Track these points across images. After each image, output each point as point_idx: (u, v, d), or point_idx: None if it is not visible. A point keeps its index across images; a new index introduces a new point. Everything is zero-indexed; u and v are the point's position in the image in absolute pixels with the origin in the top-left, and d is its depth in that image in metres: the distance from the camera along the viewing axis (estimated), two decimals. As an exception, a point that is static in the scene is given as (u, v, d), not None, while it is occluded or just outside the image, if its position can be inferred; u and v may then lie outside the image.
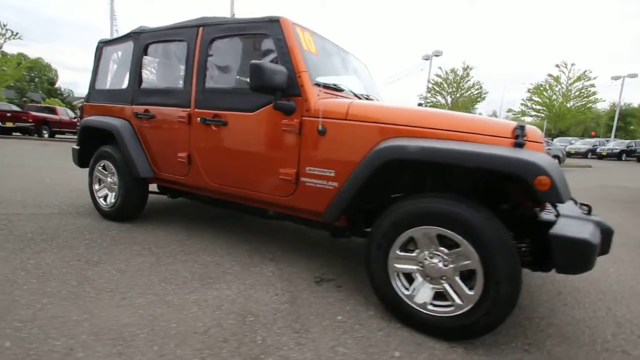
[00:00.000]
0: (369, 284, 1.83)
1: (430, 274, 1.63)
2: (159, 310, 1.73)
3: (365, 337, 1.61)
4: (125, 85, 2.98)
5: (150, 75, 3.03)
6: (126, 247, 2.52)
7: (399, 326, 1.71)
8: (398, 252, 1.68)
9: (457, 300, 1.56)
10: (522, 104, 22.05)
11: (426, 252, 1.63)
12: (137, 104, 2.85)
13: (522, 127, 1.58)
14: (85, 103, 3.36)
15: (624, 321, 1.89)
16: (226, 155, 2.37)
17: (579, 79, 19.46)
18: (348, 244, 2.96)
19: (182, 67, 2.62)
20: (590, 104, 19.76)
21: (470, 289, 1.53)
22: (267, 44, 2.19)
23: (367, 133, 1.85)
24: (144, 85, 2.86)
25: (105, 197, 3.16)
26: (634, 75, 22.11)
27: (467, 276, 1.57)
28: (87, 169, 3.25)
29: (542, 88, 20.30)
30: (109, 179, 3.09)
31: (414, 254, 1.66)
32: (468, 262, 1.51)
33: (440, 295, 1.63)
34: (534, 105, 21.18)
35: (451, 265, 1.57)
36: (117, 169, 2.95)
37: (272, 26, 2.14)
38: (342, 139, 1.93)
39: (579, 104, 19.58)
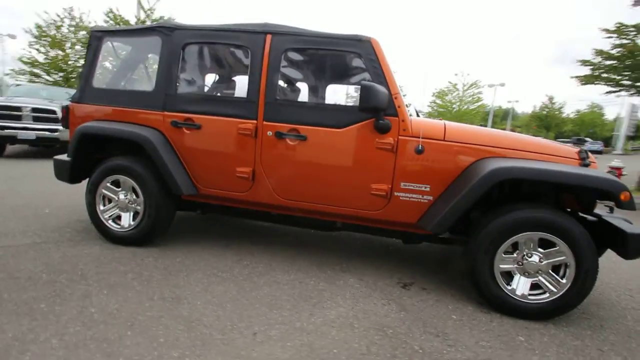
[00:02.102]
0: (471, 284, 2.12)
1: (528, 270, 2.01)
2: (304, 339, 1.69)
3: (488, 330, 1.90)
4: (150, 87, 2.54)
5: (189, 79, 2.65)
6: (188, 276, 2.24)
7: (501, 316, 2.05)
8: (503, 255, 2.02)
9: (552, 288, 1.98)
10: (428, 106, 25.83)
11: (525, 252, 2.00)
12: (174, 111, 2.48)
13: (585, 151, 2.08)
14: (74, 103, 2.72)
15: None
16: (305, 171, 2.32)
17: (471, 86, 23.68)
18: (402, 248, 3.19)
19: (241, 75, 2.42)
20: (479, 108, 24.40)
21: (562, 277, 1.96)
22: (356, 62, 2.24)
23: (463, 153, 2.12)
24: (182, 90, 2.50)
25: (116, 219, 2.66)
26: (503, 84, 27.97)
27: (555, 269, 2.00)
28: (65, 183, 2.66)
29: (443, 93, 24.09)
30: (121, 197, 2.61)
31: (514, 255, 2.02)
32: (563, 257, 1.94)
33: (535, 287, 2.03)
34: (437, 108, 24.87)
35: (546, 261, 1.98)
36: (141, 186, 2.52)
37: (364, 46, 2.19)
38: (439, 158, 2.15)
39: (472, 107, 23.92)
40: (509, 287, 2.04)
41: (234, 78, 2.59)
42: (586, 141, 25.53)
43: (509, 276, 2.06)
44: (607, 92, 8.00)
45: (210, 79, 2.80)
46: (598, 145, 28.13)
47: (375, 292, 2.24)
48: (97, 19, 20.61)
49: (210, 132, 2.45)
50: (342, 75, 2.25)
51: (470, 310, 2.10)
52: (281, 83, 2.35)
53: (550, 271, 1.99)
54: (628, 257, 1.92)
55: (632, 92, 7.55)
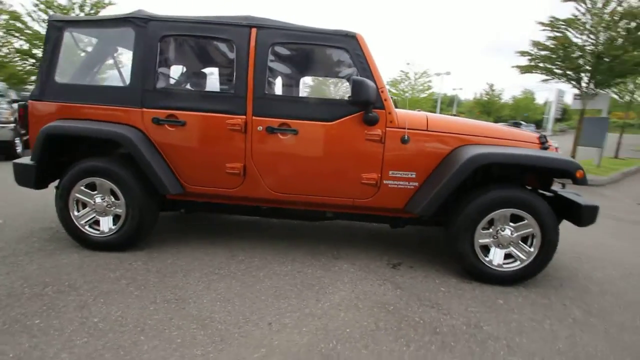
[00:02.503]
0: (452, 259, 2.36)
1: (502, 242, 2.29)
2: (317, 323, 1.79)
3: (473, 297, 2.15)
4: (124, 82, 2.39)
5: (168, 74, 2.51)
6: (185, 276, 2.20)
7: (480, 284, 2.32)
8: (481, 230, 2.27)
9: (522, 257, 2.28)
10: None
11: (499, 227, 2.27)
12: (154, 108, 2.36)
13: (544, 136, 2.39)
14: (33, 101, 2.46)
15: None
16: (297, 164, 2.37)
17: (422, 75, 24.80)
18: (374, 231, 3.37)
19: (224, 69, 2.37)
20: (429, 96, 25.72)
21: (530, 247, 2.27)
22: (343, 57, 2.31)
23: (444, 141, 2.32)
24: (161, 85, 2.38)
25: (93, 223, 2.50)
26: (448, 73, 29.81)
27: (523, 240, 2.30)
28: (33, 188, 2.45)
29: (396, 81, 24.95)
30: (98, 201, 2.45)
31: (490, 230, 2.28)
32: (530, 230, 2.24)
33: (508, 256, 2.31)
34: (391, 96, 25.67)
35: (516, 234, 2.27)
36: (121, 187, 2.39)
37: (350, 41, 2.27)
38: (423, 147, 2.33)
39: (422, 95, 25.13)
40: (487, 259, 2.30)
41: (216, 72, 2.51)
42: (521, 124, 28.24)
43: (485, 249, 2.32)
44: (543, 80, 8.95)
45: (190, 73, 2.68)
46: (531, 127, 31.31)
47: (370, 275, 2.39)
48: (24, 1, 18.20)
49: (196, 128, 2.38)
50: (329, 69, 2.32)
51: (454, 282, 2.34)
52: (269, 78, 2.35)
53: (519, 242, 2.29)
54: (582, 225, 2.27)
55: (563, 80, 8.53)
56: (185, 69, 2.71)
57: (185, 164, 2.43)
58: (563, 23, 7.92)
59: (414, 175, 2.36)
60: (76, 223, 2.47)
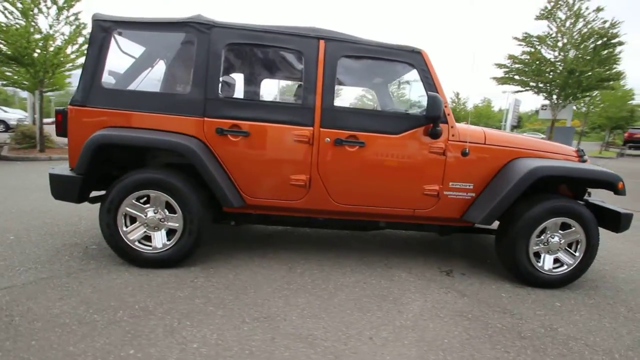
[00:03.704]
0: (502, 265, 2.50)
1: (552, 248, 2.47)
2: (414, 335, 1.82)
3: (534, 301, 2.29)
4: (183, 89, 2.27)
5: (233, 83, 2.40)
6: (257, 292, 2.13)
7: (532, 288, 2.48)
8: (535, 238, 2.43)
9: (569, 261, 2.47)
10: None
11: (549, 235, 2.45)
12: (217, 117, 2.27)
13: (582, 150, 2.62)
14: (75, 107, 2.25)
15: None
16: (363, 176, 2.39)
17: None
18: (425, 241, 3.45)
19: (292, 80, 2.34)
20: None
21: (575, 252, 2.47)
22: (410, 72, 2.38)
23: (499, 154, 2.47)
24: (225, 94, 2.29)
25: (145, 240, 2.33)
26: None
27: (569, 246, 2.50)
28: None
29: None
30: (150, 215, 2.30)
31: (541, 237, 2.45)
32: (577, 236, 2.44)
33: (555, 261, 2.50)
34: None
35: (564, 240, 2.46)
36: (179, 201, 2.26)
37: (416, 57, 2.35)
38: (481, 159, 2.46)
39: None
40: (539, 264, 2.47)
41: (282, 83, 2.47)
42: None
43: (536, 256, 2.49)
44: (516, 91, 9.73)
45: (255, 82, 2.60)
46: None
47: (431, 283, 2.46)
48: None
49: (260, 139, 2.32)
50: (393, 83, 2.37)
51: (509, 287, 2.48)
52: (339, 90, 2.36)
53: (566, 247, 2.48)
54: (618, 231, 2.51)
55: (536, 92, 9.34)
56: (249, 78, 2.62)
57: (248, 176, 2.36)
58: (536, 39, 8.68)
59: (471, 187, 2.48)
60: (125, 239, 2.29)
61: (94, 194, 2.45)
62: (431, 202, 2.47)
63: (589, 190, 2.87)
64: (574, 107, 12.88)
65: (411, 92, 2.72)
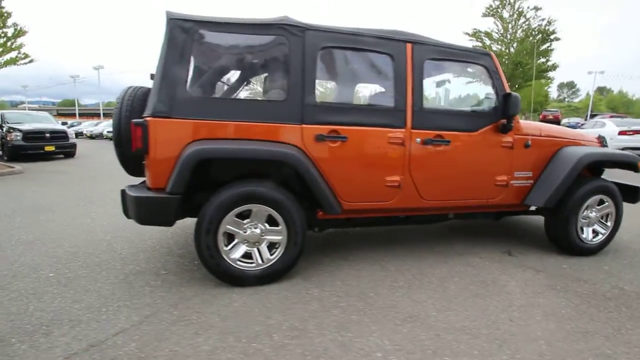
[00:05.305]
0: (553, 241, 2.89)
1: (591, 222, 2.91)
2: (537, 311, 2.04)
3: (592, 267, 2.69)
4: (280, 95, 2.15)
5: (328, 87, 2.31)
6: (377, 294, 2.16)
7: (579, 258, 2.90)
8: (582, 213, 2.84)
9: (603, 231, 2.94)
10: None
11: (589, 210, 2.88)
12: (315, 123, 2.19)
13: (603, 137, 3.11)
14: (157, 118, 1.98)
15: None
16: (448, 172, 2.54)
17: None
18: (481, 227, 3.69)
19: (383, 83, 2.37)
20: None
21: (606, 222, 2.95)
22: (482, 73, 2.56)
23: (552, 144, 2.82)
24: (322, 99, 2.22)
25: (251, 257, 2.19)
26: None
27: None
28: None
29: None
30: (250, 231, 2.16)
31: (584, 213, 2.88)
32: (609, 209, 2.91)
33: (593, 232, 2.95)
34: None
35: (599, 214, 2.92)
36: (283, 213, 2.16)
37: (487, 59, 2.54)
38: (539, 150, 2.78)
39: None
40: (583, 236, 2.90)
41: (374, 86, 2.44)
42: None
43: (580, 229, 2.92)
44: (468, 82, 10.73)
45: (347, 86, 2.52)
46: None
47: (505, 264, 2.72)
48: None
49: (357, 143, 2.31)
50: (467, 84, 2.54)
51: (562, 259, 2.85)
52: (425, 92, 2.44)
53: (600, 220, 2.95)
54: (635, 202, 3.06)
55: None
56: (341, 82, 2.54)
57: (346, 181, 2.34)
58: (484, 34, 9.68)
59: (530, 174, 2.79)
60: (227, 260, 2.13)
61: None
62: (500, 191, 2.73)
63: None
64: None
65: (472, 90, 2.93)
